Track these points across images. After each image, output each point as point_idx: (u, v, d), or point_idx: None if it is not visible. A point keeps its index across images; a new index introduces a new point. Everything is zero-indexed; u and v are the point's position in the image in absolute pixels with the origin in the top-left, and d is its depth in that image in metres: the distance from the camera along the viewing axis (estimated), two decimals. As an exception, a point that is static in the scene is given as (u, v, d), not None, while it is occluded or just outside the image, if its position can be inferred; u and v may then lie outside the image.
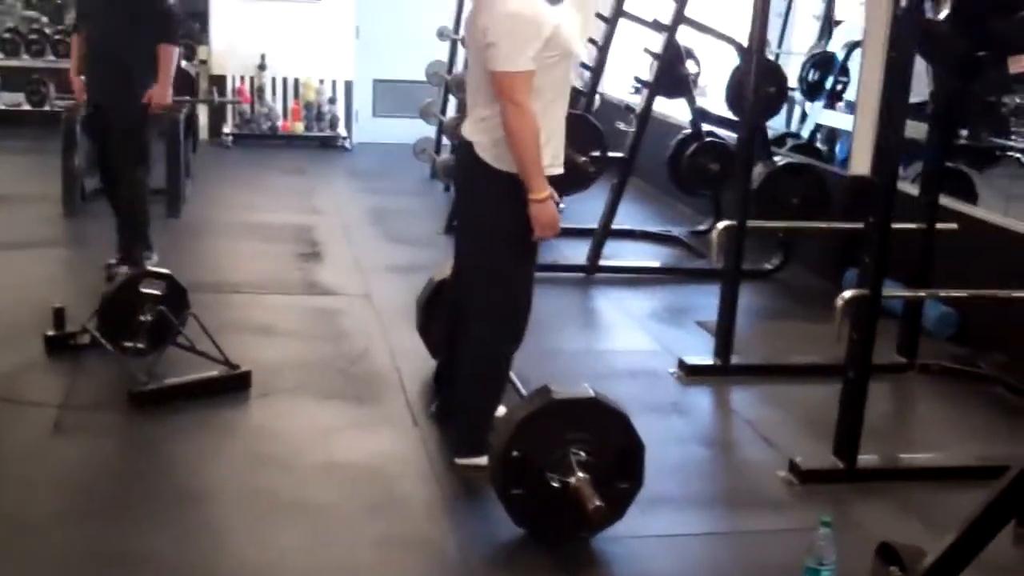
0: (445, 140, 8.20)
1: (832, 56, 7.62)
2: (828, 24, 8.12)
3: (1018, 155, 6.68)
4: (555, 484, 2.96)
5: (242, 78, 9.99)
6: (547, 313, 4.67)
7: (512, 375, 3.73)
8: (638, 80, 6.44)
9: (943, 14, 4.05)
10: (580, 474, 2.94)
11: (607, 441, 3.03)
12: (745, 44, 5.39)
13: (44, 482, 3.35)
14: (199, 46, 9.97)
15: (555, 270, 5.90)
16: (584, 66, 6.62)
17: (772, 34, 8.18)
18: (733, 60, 6.24)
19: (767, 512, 3.43)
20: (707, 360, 4.63)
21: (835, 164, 7.06)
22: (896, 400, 4.61)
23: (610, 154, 6.18)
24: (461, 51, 7.74)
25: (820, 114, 7.71)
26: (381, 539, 3.12)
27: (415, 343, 4.38)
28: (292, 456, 3.60)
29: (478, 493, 3.29)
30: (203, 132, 9.84)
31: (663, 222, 7.55)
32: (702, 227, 7.05)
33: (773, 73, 6.26)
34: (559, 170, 3.40)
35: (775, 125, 7.50)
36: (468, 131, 3.44)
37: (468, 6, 3.59)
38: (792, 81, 7.43)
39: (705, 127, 6.73)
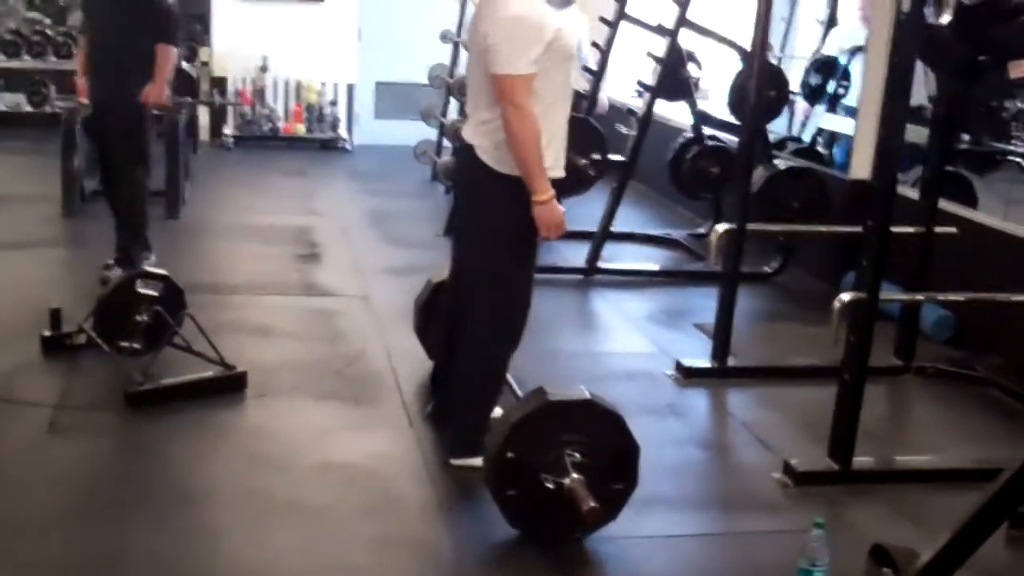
0: (446, 142, 8.21)
1: (835, 60, 7.61)
2: (831, 28, 8.11)
3: (1018, 159, 6.67)
4: (549, 485, 2.96)
5: (243, 80, 10.00)
6: (545, 315, 4.67)
7: (508, 376, 3.73)
8: (640, 84, 6.44)
9: (944, 19, 4.05)
10: (574, 475, 2.94)
11: (602, 442, 3.03)
12: (748, 48, 5.38)
13: (39, 483, 3.35)
14: (200, 47, 9.98)
15: (554, 272, 5.90)
16: (587, 70, 6.62)
17: (775, 38, 8.18)
18: (735, 64, 6.23)
19: (761, 514, 3.43)
20: (704, 362, 4.62)
21: (835, 168, 7.04)
22: (892, 403, 4.61)
23: (611, 157, 6.18)
24: (463, 54, 7.75)
25: (821, 118, 7.70)
26: (376, 540, 3.12)
27: (412, 344, 4.38)
28: (288, 457, 3.60)
29: (473, 494, 3.29)
30: (204, 133, 9.86)
31: (663, 225, 7.55)
32: (702, 230, 7.05)
33: (774, 77, 6.26)
34: (560, 173, 3.41)
35: (777, 129, 7.50)
36: (469, 134, 3.45)
37: (471, 9, 3.59)
38: (794, 85, 7.43)
39: (706, 130, 6.73)
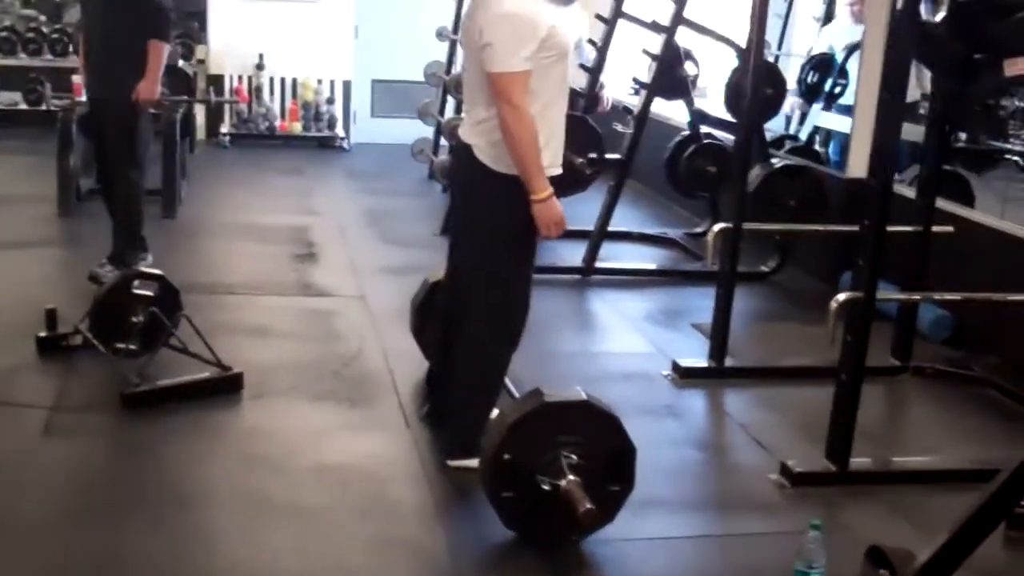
0: (443, 141, 8.19)
1: (831, 58, 7.61)
2: (826, 25, 8.11)
3: (1016, 158, 6.68)
4: (546, 487, 2.96)
5: (240, 78, 9.98)
6: (543, 315, 4.66)
7: (505, 377, 3.72)
8: (636, 81, 6.43)
9: (939, 17, 4.04)
10: (571, 477, 2.94)
11: (598, 444, 3.02)
12: (744, 46, 5.37)
13: (35, 484, 3.34)
14: (197, 45, 9.96)
15: (551, 272, 5.89)
16: (584, 67, 6.61)
17: (772, 36, 8.17)
18: (733, 62, 6.22)
19: (758, 515, 3.43)
20: (701, 363, 4.62)
21: (830, 166, 7.04)
22: (890, 403, 4.60)
23: (608, 156, 6.17)
24: (460, 52, 7.73)
25: (818, 115, 7.69)
26: (373, 541, 3.12)
27: (409, 345, 4.36)
28: (285, 458, 3.59)
29: (469, 495, 3.29)
30: (200, 132, 9.84)
31: (660, 224, 7.54)
32: (699, 229, 7.04)
33: (771, 75, 6.25)
34: (558, 171, 3.41)
35: (774, 127, 7.50)
36: (466, 133, 3.44)
37: (467, 6, 3.59)
38: (791, 83, 7.43)
39: (703, 129, 6.72)
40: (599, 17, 6.57)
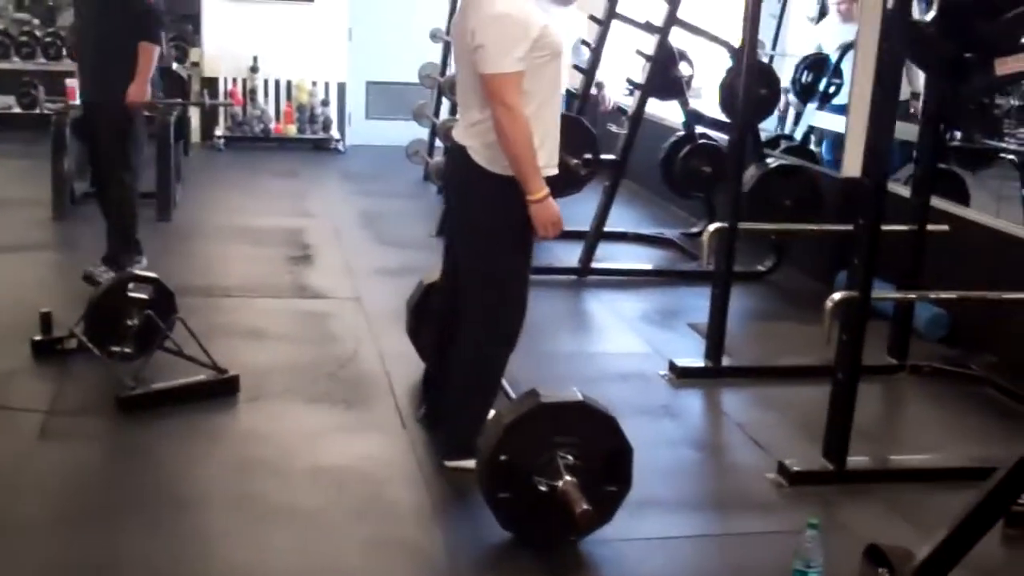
0: (438, 142, 8.19)
1: (825, 58, 7.61)
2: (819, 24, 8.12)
3: (1011, 156, 6.67)
4: (543, 488, 2.95)
5: (234, 80, 9.97)
6: (539, 315, 4.64)
7: (502, 378, 3.71)
8: (631, 82, 6.43)
9: (930, 16, 4.04)
10: (567, 477, 2.93)
11: (595, 444, 3.02)
12: (737, 46, 5.37)
13: (30, 488, 3.33)
14: (191, 48, 9.96)
15: (547, 272, 5.89)
16: (577, 68, 6.61)
17: (767, 36, 8.17)
18: (727, 62, 6.23)
19: (756, 514, 3.43)
20: (698, 362, 4.62)
21: (823, 166, 7.04)
22: (886, 402, 4.60)
23: (603, 156, 6.17)
24: (454, 53, 7.72)
25: (812, 115, 7.70)
26: (370, 542, 3.11)
27: (405, 346, 4.36)
28: (281, 460, 3.59)
29: (466, 496, 3.28)
30: (195, 135, 9.82)
31: (656, 224, 7.54)
32: (695, 229, 7.04)
33: (765, 75, 6.25)
34: (554, 171, 3.41)
35: (768, 127, 7.50)
36: (460, 135, 3.44)
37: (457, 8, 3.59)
38: (786, 83, 7.43)
39: (698, 129, 6.72)
40: (592, 18, 6.57)
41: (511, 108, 3.18)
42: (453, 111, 7.54)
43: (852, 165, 3.58)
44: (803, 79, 7.66)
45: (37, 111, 9.10)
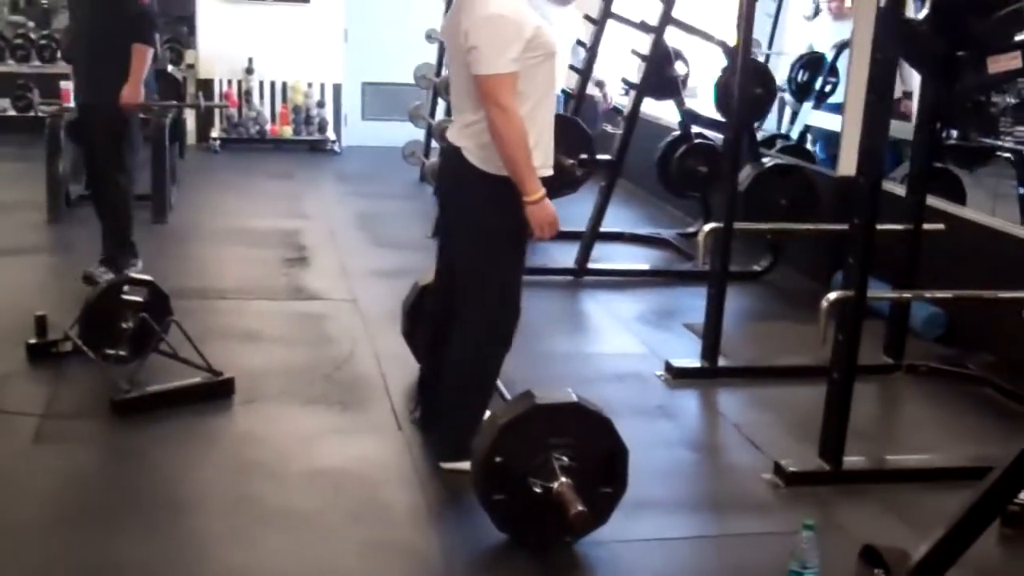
0: (434, 143, 8.17)
1: (821, 56, 7.61)
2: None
3: (1007, 155, 6.67)
4: (537, 489, 2.95)
5: (229, 82, 9.96)
6: (535, 316, 4.66)
7: (497, 379, 3.71)
8: (626, 82, 6.43)
9: (923, 14, 4.04)
10: (563, 479, 2.93)
11: (590, 446, 3.01)
12: (733, 45, 5.37)
13: (25, 492, 3.33)
14: (186, 50, 9.94)
15: (543, 273, 5.89)
16: (573, 68, 6.61)
17: (763, 35, 8.18)
18: (722, 61, 6.22)
19: (752, 515, 3.42)
20: (694, 363, 4.61)
21: (818, 165, 7.05)
22: (883, 401, 4.60)
23: (598, 157, 6.17)
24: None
25: (808, 114, 7.71)
26: (366, 544, 3.11)
27: (401, 348, 4.35)
28: (277, 463, 3.58)
29: (462, 498, 3.27)
30: (190, 137, 9.80)
31: (652, 224, 7.54)
32: (691, 229, 7.04)
33: (760, 74, 6.25)
34: (549, 172, 3.40)
35: (768, 127, 7.50)
36: (455, 136, 3.43)
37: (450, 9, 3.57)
38: (782, 81, 7.44)
39: (694, 129, 6.72)
40: (588, 18, 6.57)
41: (505, 109, 3.18)
42: (449, 112, 7.53)
43: (848, 164, 3.57)
44: (799, 78, 7.67)
45: (32, 114, 9.11)
